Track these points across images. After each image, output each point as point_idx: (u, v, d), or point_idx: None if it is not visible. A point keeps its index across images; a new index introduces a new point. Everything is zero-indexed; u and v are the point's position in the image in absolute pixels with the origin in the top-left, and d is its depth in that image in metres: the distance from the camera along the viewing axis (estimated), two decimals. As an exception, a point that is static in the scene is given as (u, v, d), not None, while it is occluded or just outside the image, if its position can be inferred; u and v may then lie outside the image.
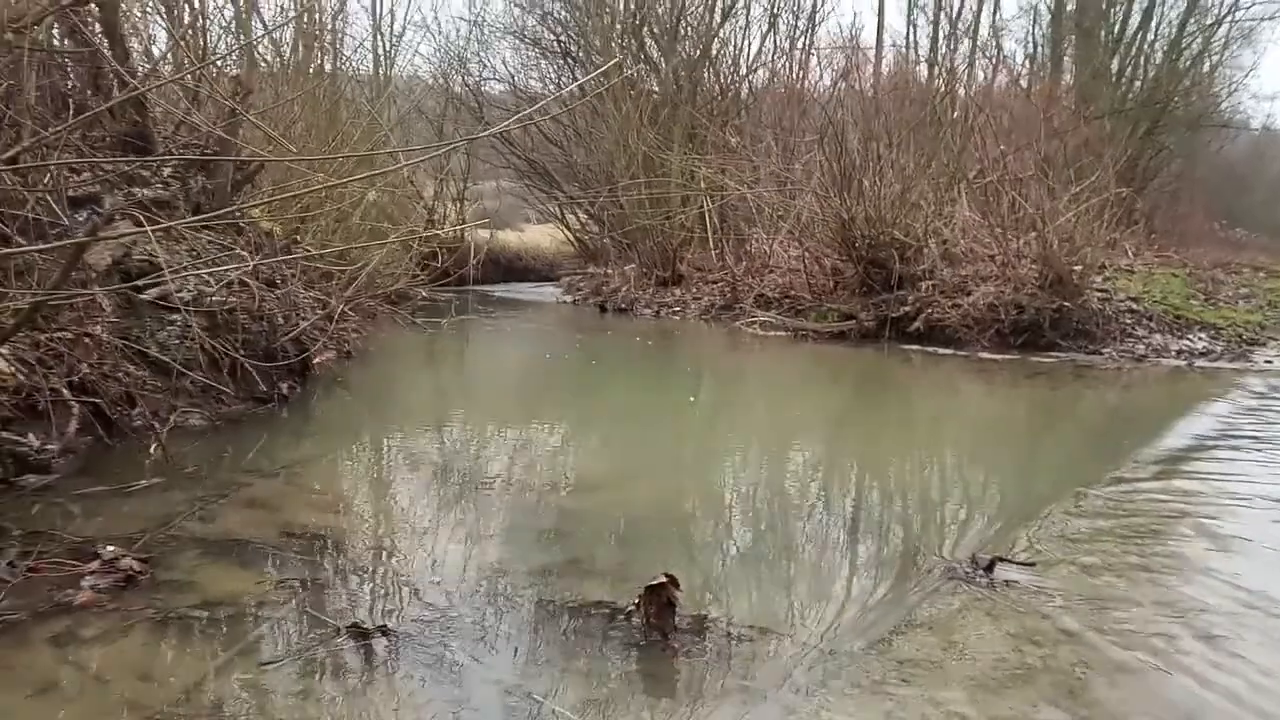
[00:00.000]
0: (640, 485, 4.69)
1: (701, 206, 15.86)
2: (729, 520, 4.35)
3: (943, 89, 15.55)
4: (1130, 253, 15.03)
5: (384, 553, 3.54)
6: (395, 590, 3.15)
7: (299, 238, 7.96)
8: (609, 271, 17.33)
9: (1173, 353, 10.66)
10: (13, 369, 4.18)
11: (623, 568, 3.39)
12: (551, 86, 20.15)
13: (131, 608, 2.83)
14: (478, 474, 4.80)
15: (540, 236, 23.84)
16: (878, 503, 4.81)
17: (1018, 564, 3.50)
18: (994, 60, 18.98)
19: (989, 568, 3.40)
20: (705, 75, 18.41)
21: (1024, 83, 18.92)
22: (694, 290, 15.42)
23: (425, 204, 17.48)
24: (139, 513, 3.72)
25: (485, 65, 22.52)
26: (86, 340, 4.71)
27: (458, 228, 16.72)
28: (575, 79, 18.38)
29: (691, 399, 7.89)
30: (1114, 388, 9.00)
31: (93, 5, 5.96)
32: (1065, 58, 21.71)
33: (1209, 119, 23.01)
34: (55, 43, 6.37)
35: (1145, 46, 21.49)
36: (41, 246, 3.98)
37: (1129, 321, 11.37)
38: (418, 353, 10.11)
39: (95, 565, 3.04)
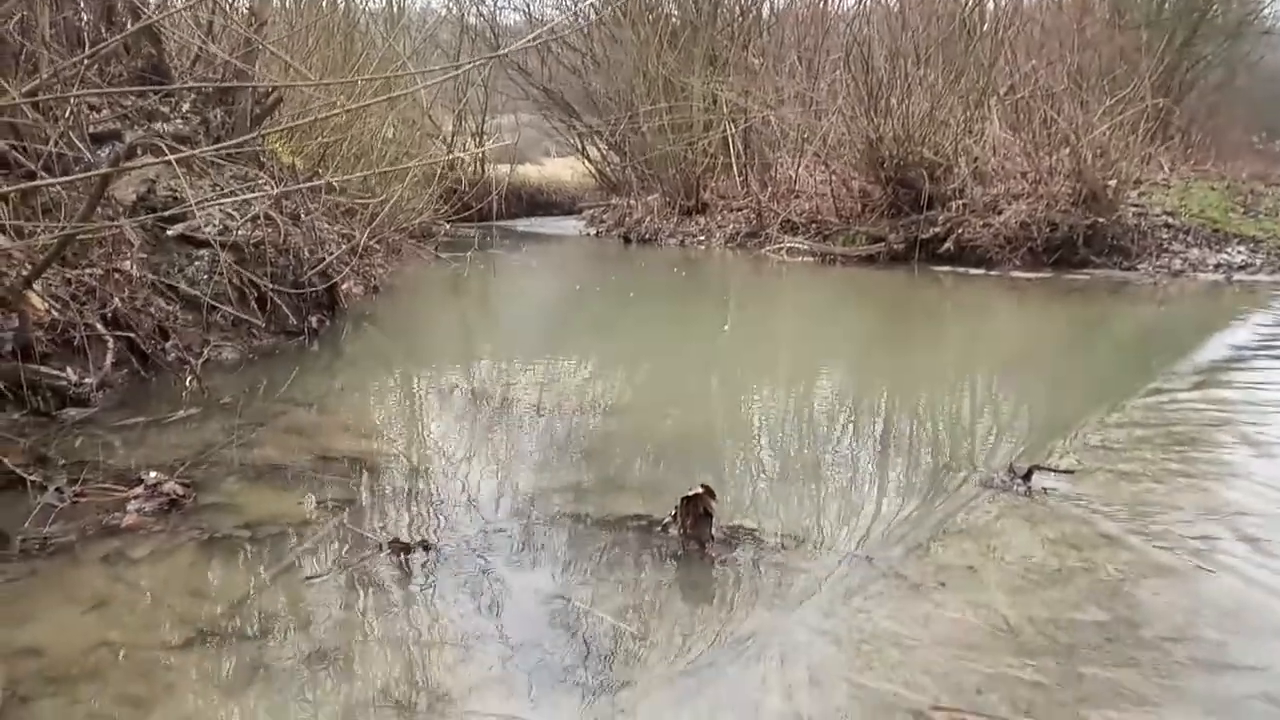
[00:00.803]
0: (674, 409, 4.67)
1: (724, 131, 15.54)
2: (762, 440, 4.35)
3: (971, 2, 15.01)
4: (1166, 167, 14.59)
5: (420, 476, 3.57)
6: (433, 509, 3.19)
7: (321, 171, 7.90)
8: (632, 202, 17.08)
9: (1210, 266, 10.43)
10: (47, 305, 4.22)
11: (657, 484, 3.41)
12: (569, 14, 19.68)
13: (177, 529, 2.89)
14: (510, 402, 4.80)
15: (561, 169, 23.50)
16: (911, 420, 4.78)
17: (1056, 472, 3.48)
18: (1024, -29, 18.24)
19: (1026, 476, 3.37)
20: (725, -4, 17.88)
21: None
22: (719, 218, 15.18)
23: (444, 138, 17.25)
24: (178, 442, 3.77)
25: (500, -6, 22.00)
26: (117, 275, 4.74)
27: (476, 150, 16.51)
28: (592, 4, 17.94)
29: (725, 327, 7.84)
30: (1150, 303, 8.84)
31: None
32: (1098, -34, 20.85)
33: (1250, 26, 22.06)
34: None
35: (1183, -50, 20.56)
36: (66, 179, 3.97)
37: (1165, 236, 11.11)
38: (444, 287, 10.09)
39: (139, 490, 3.09)
